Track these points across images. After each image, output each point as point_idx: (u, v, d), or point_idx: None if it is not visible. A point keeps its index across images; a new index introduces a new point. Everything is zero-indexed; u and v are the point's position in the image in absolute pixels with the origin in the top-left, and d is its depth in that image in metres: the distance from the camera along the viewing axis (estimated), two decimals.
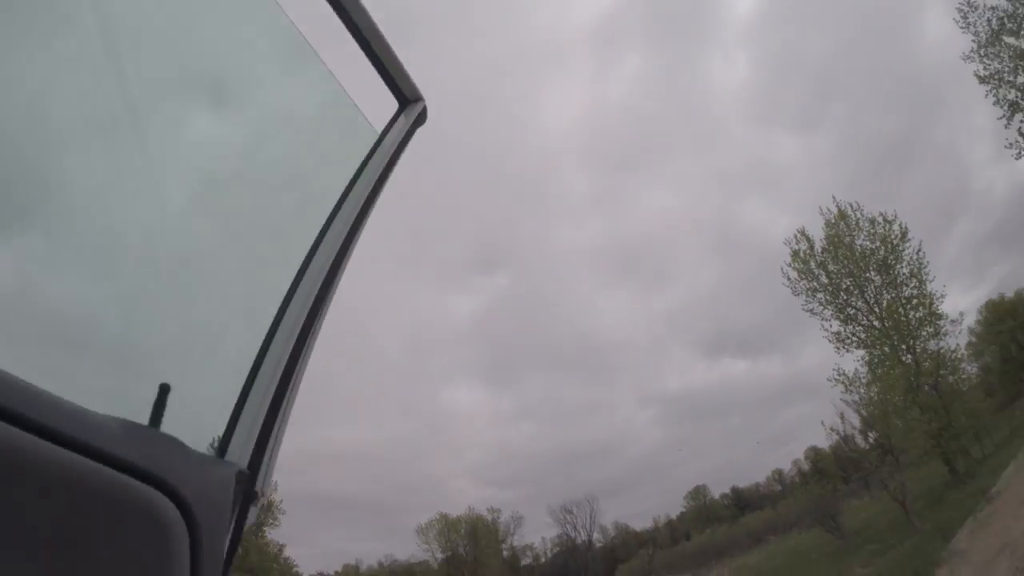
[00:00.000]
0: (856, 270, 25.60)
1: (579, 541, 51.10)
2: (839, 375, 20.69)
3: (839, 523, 18.33)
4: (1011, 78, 24.99)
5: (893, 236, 25.46)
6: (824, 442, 15.85)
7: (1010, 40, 24.46)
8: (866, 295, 25.52)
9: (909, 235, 25.20)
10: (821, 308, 26.06)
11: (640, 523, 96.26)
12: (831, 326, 25.68)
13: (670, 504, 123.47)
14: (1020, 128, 24.70)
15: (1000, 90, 25.54)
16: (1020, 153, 25.02)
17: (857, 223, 26.21)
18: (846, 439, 15.71)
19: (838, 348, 25.10)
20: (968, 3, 25.01)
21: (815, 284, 26.31)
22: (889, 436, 17.32)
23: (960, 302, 38.63)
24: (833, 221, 26.64)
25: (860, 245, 25.93)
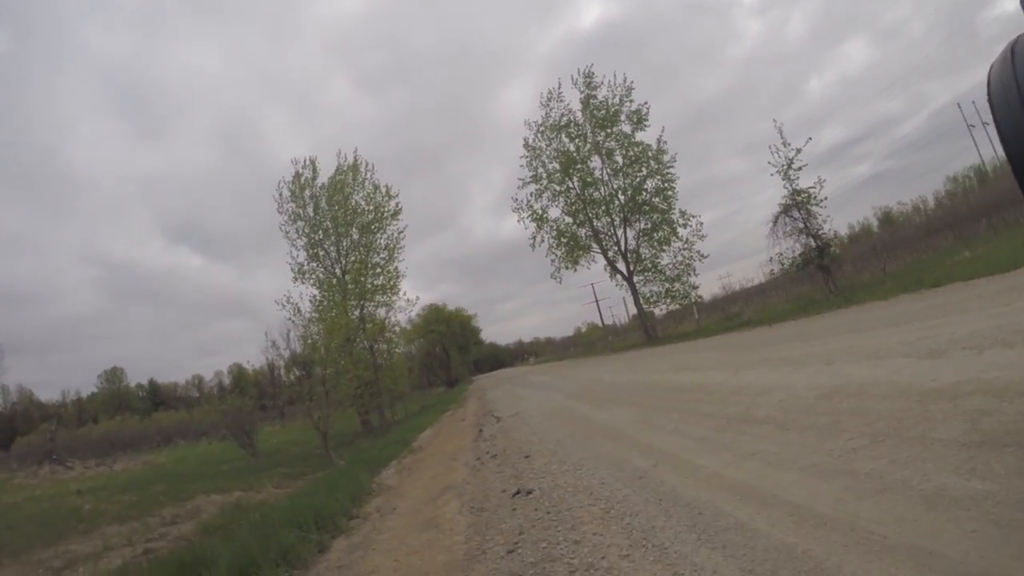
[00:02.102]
0: (343, 219, 26.32)
1: None
2: (288, 302, 20.27)
3: (253, 441, 18.24)
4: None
5: (386, 209, 26.78)
6: (252, 364, 13.94)
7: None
8: (341, 246, 26.60)
9: (401, 216, 27.06)
10: (296, 236, 26.51)
11: (47, 394, 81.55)
12: (299, 255, 26.36)
13: (83, 381, 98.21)
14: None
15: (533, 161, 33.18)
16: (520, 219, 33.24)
17: (363, 182, 27.00)
18: (272, 367, 13.89)
19: (296, 278, 25.81)
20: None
21: (299, 211, 26.55)
22: (320, 372, 16.54)
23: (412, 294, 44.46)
24: (344, 168, 27.33)
25: (356, 200, 26.99)
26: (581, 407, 10.40)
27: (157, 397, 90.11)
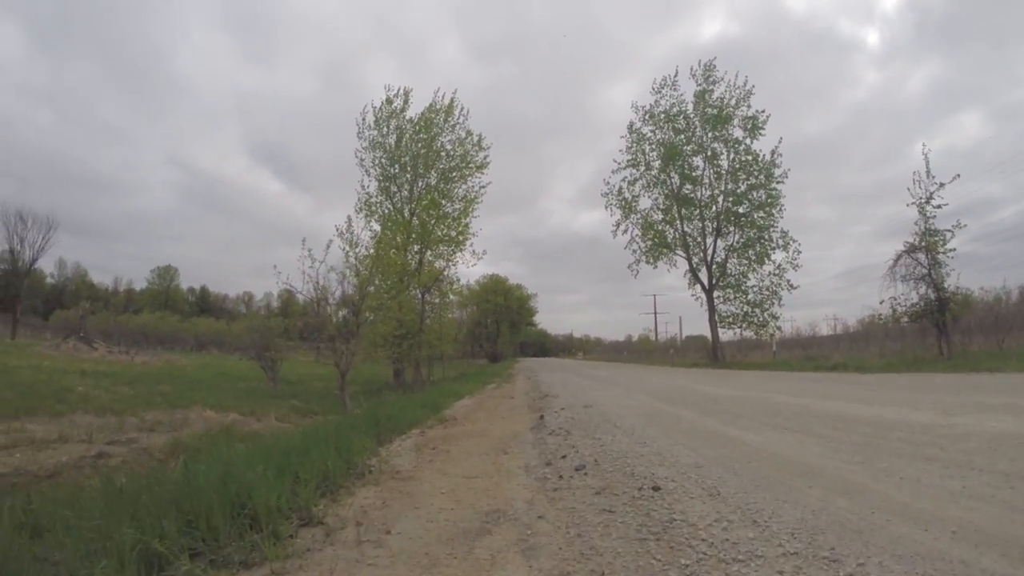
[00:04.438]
0: (424, 159, 24.01)
1: (21, 261, 42.53)
2: (348, 230, 17.99)
3: (276, 365, 17.52)
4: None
5: (474, 159, 24.41)
6: (303, 295, 11.86)
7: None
8: (416, 186, 24.32)
9: (487, 171, 24.60)
10: (371, 165, 24.54)
11: (101, 277, 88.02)
12: (371, 185, 24.41)
13: (139, 274, 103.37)
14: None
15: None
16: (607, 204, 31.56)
17: (454, 126, 24.68)
18: (318, 302, 13.36)
19: (362, 209, 23.63)
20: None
21: (380, 140, 24.50)
22: (362, 309, 14.27)
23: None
24: (439, 107, 24.62)
25: (443, 143, 24.51)
26: (691, 416, 7.61)
27: (204, 303, 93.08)
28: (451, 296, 25.15)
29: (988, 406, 6.72)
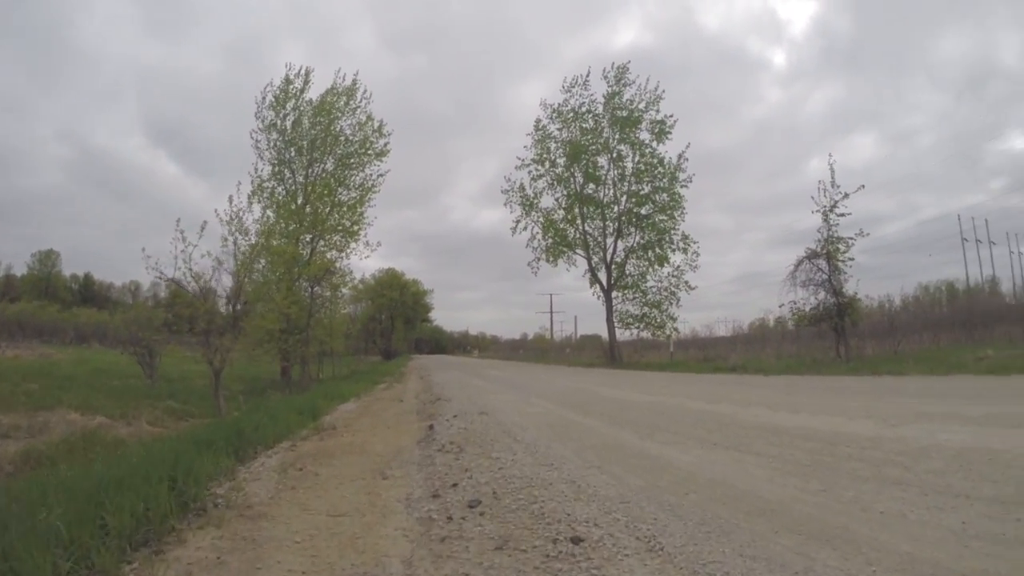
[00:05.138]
0: (321, 144, 22.31)
1: None
2: (236, 216, 15.64)
3: (154, 361, 16.03)
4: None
5: (373, 145, 22.84)
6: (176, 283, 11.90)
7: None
8: (310, 171, 22.38)
9: (387, 159, 23.24)
10: (266, 147, 22.37)
11: None
12: (264, 169, 22.20)
13: (20, 259, 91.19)
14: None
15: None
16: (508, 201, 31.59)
17: (355, 109, 22.87)
18: (203, 291, 11.79)
19: (255, 193, 21.06)
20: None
21: (277, 122, 22.44)
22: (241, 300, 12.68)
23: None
24: (339, 89, 22.89)
25: (342, 127, 22.80)
26: (602, 427, 7.03)
27: (88, 293, 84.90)
28: (343, 290, 23.39)
29: (929, 415, 6.53)
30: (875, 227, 73.90)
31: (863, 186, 18.21)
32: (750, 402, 8.86)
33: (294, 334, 17.32)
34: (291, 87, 22.51)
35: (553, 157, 31.07)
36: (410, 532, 3.10)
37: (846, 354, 17.23)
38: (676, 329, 29.30)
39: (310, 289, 19.95)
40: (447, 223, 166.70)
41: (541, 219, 31.35)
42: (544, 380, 17.45)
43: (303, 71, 22.63)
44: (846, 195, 17.80)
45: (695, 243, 28.12)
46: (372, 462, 5.11)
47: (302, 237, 21.22)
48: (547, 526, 3.09)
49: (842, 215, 17.88)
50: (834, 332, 17.87)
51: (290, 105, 22.48)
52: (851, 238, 17.77)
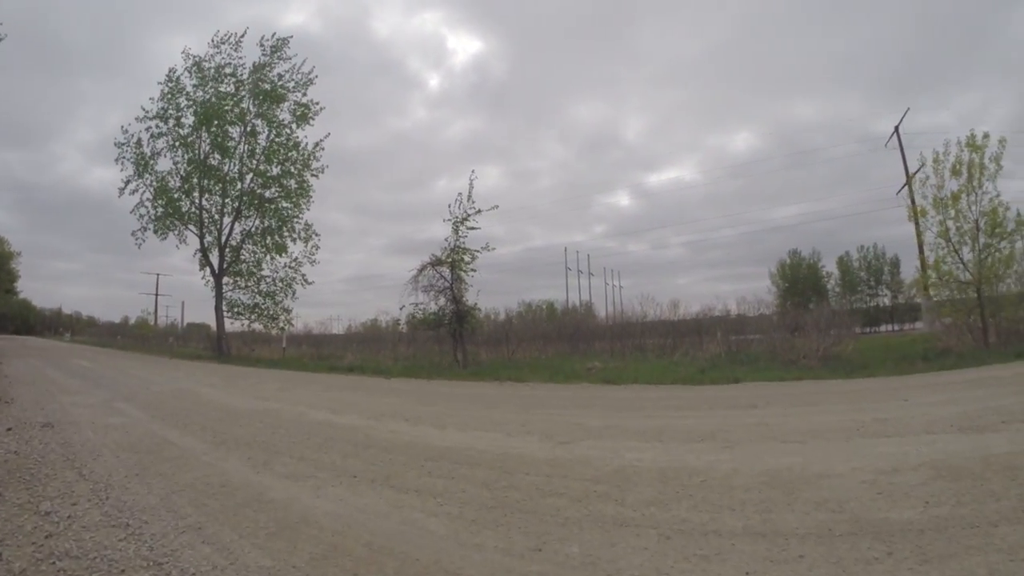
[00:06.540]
0: None
1: None
2: None
3: None
4: None
5: None
6: None
7: None
8: None
9: None
10: None
11: None
12: None
13: None
14: None
15: None
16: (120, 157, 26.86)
17: None
18: None
19: None
20: None
21: None
22: None
23: None
24: None
25: None
26: (204, 450, 5.67)
27: None
28: None
29: (588, 428, 6.34)
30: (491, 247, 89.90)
31: (497, 206, 19.27)
32: (383, 413, 8.04)
33: None
34: None
35: (181, 116, 27.08)
36: None
37: (463, 359, 18.31)
38: (291, 323, 28.39)
39: None
40: (52, 174, 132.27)
41: (155, 183, 26.97)
42: (140, 376, 15.09)
43: None
44: (479, 211, 18.66)
45: (317, 235, 27.67)
46: None
47: None
48: None
49: (472, 228, 18.71)
50: (452, 337, 18.81)
51: None
52: (477, 251, 18.85)
